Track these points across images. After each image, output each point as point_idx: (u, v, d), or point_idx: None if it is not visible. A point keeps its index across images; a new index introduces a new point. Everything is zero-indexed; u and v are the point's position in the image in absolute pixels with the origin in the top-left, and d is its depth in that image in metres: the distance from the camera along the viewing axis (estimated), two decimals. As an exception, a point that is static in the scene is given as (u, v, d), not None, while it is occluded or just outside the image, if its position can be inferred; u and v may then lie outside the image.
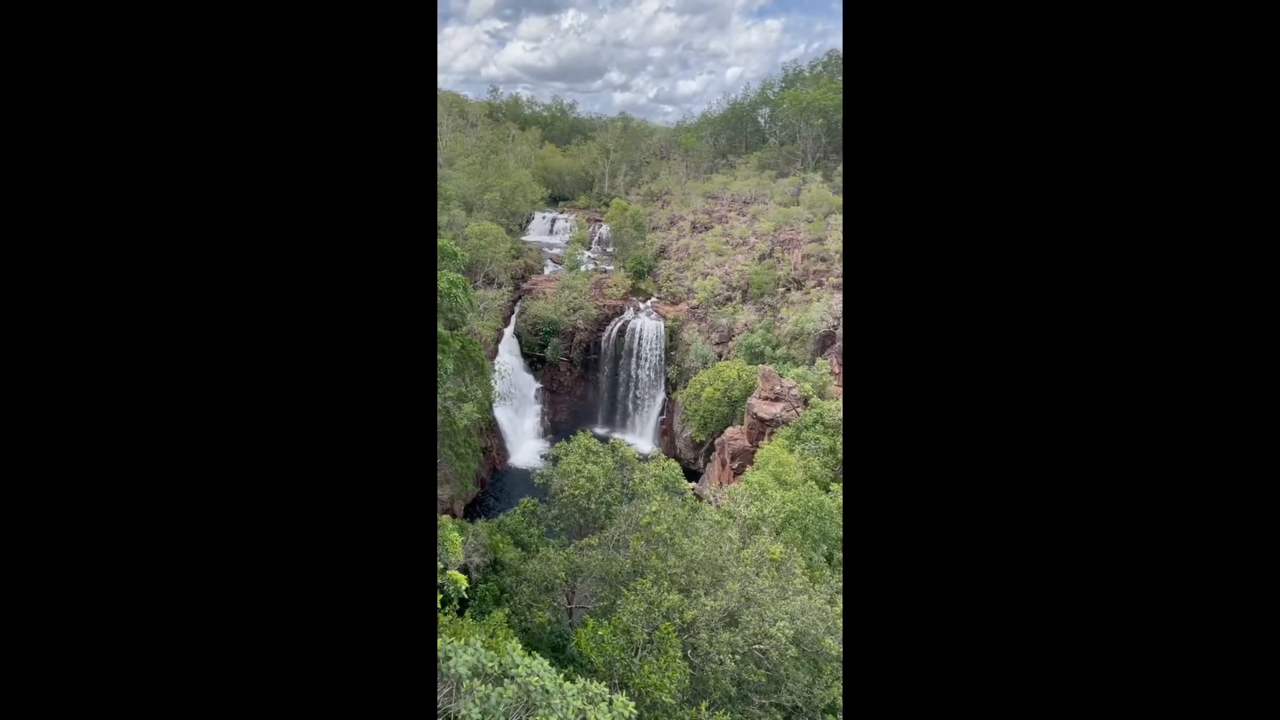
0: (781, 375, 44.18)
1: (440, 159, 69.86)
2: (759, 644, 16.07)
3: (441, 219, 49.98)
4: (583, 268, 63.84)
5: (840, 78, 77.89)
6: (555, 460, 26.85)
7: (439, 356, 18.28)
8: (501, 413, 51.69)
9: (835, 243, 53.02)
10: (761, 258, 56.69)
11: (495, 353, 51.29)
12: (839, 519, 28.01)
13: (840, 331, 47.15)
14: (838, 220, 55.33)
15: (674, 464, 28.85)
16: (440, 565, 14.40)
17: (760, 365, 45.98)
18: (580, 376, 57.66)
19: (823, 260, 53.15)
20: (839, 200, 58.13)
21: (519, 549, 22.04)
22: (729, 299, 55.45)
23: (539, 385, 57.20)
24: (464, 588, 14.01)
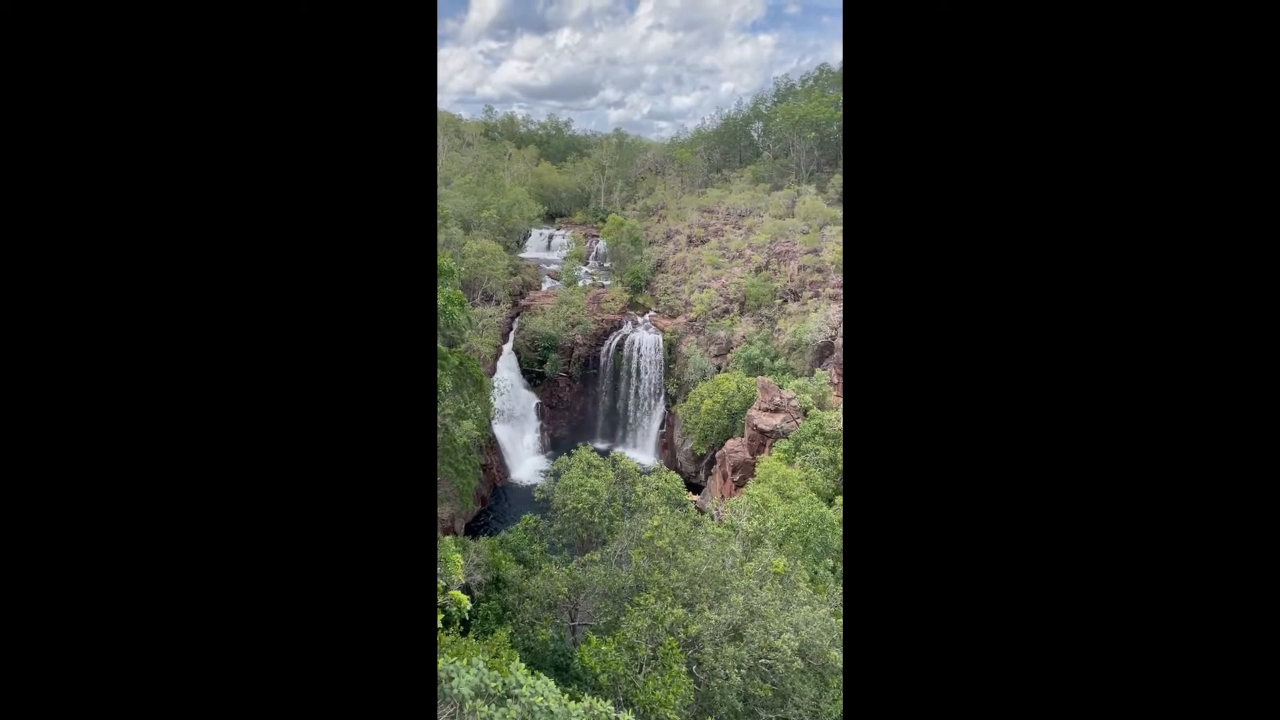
0: (781, 386, 44.15)
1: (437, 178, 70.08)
2: (764, 658, 15.94)
3: (439, 237, 50.15)
4: (580, 283, 63.98)
5: (832, 91, 78.88)
6: (556, 475, 26.74)
7: (438, 374, 18.27)
8: (501, 429, 51.56)
9: (830, 254, 53.29)
10: (758, 270, 56.88)
11: (494, 369, 51.26)
12: (841, 531, 27.87)
13: (838, 341, 47.22)
14: (832, 232, 55.63)
15: (676, 476, 28.72)
16: (442, 585, 14.29)
17: (759, 377, 45.95)
18: (579, 391, 57.58)
19: (818, 271, 53.35)
20: (833, 212, 58.46)
21: (521, 566, 21.92)
22: (726, 311, 55.57)
23: (538, 401, 57.07)
24: (466, 607, 13.91)
